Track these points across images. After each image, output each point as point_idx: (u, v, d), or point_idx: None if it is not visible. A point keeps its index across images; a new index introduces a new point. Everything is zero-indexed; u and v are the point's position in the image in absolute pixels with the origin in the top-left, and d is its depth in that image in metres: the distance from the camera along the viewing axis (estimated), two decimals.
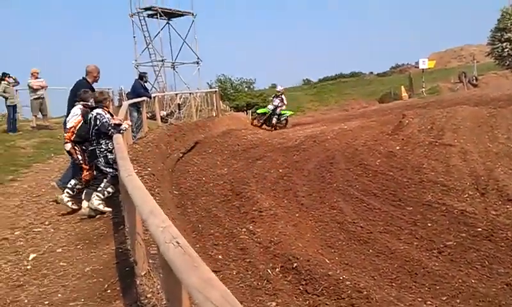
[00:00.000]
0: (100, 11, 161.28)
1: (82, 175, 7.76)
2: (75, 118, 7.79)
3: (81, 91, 7.94)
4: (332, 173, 11.33)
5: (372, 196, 9.56)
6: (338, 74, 72.32)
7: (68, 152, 7.91)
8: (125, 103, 12.00)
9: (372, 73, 71.99)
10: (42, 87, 16.68)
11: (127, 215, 5.42)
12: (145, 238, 4.89)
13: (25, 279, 5.69)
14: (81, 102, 7.81)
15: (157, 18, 32.71)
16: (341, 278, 6.02)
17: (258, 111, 22.95)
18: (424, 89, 37.53)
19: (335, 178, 10.94)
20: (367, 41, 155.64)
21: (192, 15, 34.19)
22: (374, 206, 8.99)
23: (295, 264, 6.60)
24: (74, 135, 7.76)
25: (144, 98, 14.51)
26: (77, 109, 7.86)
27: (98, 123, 7.27)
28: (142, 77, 15.04)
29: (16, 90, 17.68)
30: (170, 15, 33.75)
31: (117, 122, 7.76)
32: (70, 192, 7.73)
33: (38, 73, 16.79)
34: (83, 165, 7.78)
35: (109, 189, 7.52)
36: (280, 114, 21.88)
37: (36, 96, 16.46)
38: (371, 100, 49.44)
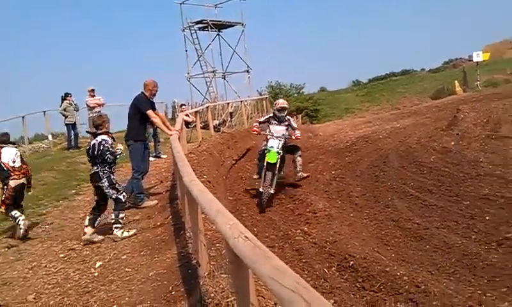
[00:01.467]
0: (154, 27, 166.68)
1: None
2: (19, 159, 8.43)
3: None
4: (385, 172, 11.23)
5: (427, 192, 9.41)
6: (388, 73, 71.21)
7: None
8: (181, 115, 12.47)
9: (423, 69, 70.31)
10: (98, 105, 17.39)
11: (190, 218, 5.63)
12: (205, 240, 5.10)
13: (94, 286, 6.01)
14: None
15: (207, 30, 33.49)
16: (398, 274, 6.02)
17: (269, 160, 10.20)
18: (478, 83, 36.30)
19: (388, 176, 10.84)
20: (417, 37, 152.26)
21: (242, 25, 34.73)
22: (429, 202, 8.85)
23: (351, 262, 6.63)
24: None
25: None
26: (15, 150, 8.52)
27: (102, 147, 7.58)
28: None
29: (76, 110, 18.52)
30: (220, 26, 34.53)
31: (112, 150, 7.82)
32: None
33: (93, 91, 17.50)
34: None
35: (121, 215, 7.85)
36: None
37: (92, 115, 17.18)
38: (424, 97, 48.36)
